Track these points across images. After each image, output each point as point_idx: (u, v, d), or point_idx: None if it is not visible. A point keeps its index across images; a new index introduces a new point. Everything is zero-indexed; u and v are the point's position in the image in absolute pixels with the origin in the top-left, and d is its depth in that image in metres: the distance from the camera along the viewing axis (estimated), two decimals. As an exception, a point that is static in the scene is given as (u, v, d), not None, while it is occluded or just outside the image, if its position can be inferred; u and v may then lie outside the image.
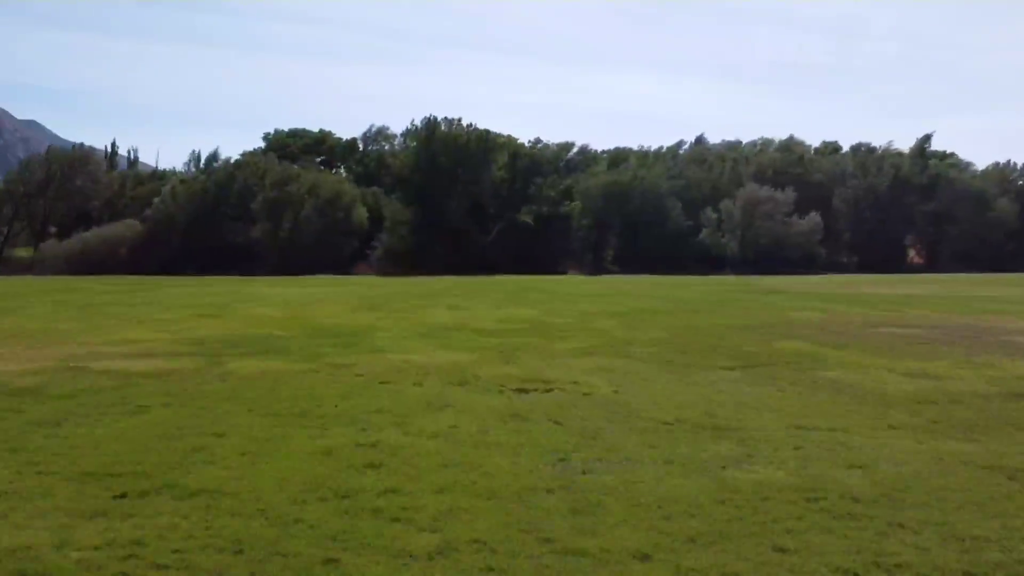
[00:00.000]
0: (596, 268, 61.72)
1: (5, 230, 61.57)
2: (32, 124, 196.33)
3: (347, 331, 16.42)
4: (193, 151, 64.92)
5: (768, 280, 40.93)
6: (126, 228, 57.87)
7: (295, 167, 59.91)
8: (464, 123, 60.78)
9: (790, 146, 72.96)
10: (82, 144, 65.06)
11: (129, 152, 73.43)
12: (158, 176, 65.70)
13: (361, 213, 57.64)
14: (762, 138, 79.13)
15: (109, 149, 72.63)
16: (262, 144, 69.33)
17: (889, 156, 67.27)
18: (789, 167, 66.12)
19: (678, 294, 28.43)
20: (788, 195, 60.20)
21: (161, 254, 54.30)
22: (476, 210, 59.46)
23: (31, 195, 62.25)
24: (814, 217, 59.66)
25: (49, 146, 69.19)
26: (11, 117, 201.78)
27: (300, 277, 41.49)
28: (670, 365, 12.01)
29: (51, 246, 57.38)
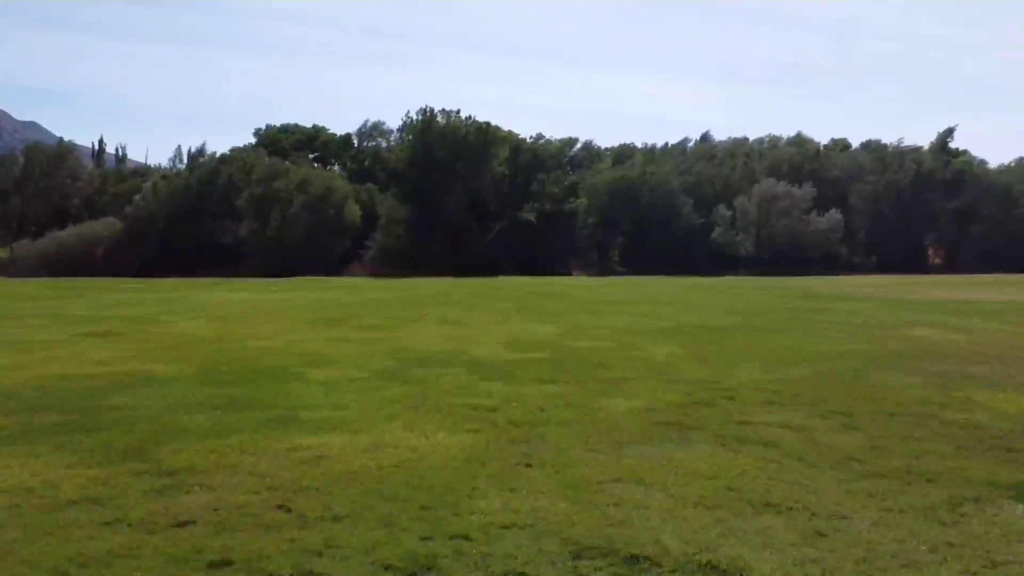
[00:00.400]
0: (602, 268, 55.31)
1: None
2: (32, 125, 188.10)
3: (270, 368, 9.94)
4: (178, 146, 58.47)
5: (801, 281, 34.25)
6: (104, 227, 51.36)
7: (284, 162, 53.29)
8: (463, 115, 54.00)
9: (802, 142, 66.26)
10: (61, 139, 58.42)
11: (117, 149, 66.90)
12: (140, 173, 59.05)
13: (354, 210, 51.13)
14: (770, 135, 72.61)
15: (96, 146, 66.07)
16: (253, 140, 62.64)
17: (909, 152, 60.47)
18: (805, 162, 59.34)
19: (720, 300, 21.88)
20: (806, 191, 53.46)
21: (140, 254, 48.02)
22: (476, 207, 52.71)
23: (7, 192, 55.91)
24: (834, 214, 52.92)
25: (29, 143, 62.59)
26: (11, 118, 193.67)
27: (280, 280, 34.89)
28: (864, 475, 5.48)
29: (25, 246, 50.96)
